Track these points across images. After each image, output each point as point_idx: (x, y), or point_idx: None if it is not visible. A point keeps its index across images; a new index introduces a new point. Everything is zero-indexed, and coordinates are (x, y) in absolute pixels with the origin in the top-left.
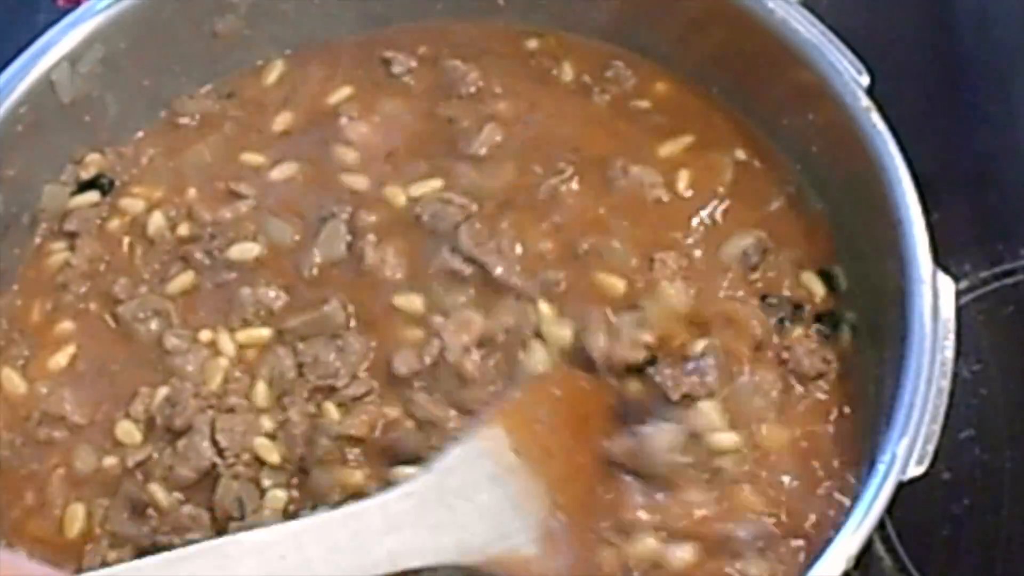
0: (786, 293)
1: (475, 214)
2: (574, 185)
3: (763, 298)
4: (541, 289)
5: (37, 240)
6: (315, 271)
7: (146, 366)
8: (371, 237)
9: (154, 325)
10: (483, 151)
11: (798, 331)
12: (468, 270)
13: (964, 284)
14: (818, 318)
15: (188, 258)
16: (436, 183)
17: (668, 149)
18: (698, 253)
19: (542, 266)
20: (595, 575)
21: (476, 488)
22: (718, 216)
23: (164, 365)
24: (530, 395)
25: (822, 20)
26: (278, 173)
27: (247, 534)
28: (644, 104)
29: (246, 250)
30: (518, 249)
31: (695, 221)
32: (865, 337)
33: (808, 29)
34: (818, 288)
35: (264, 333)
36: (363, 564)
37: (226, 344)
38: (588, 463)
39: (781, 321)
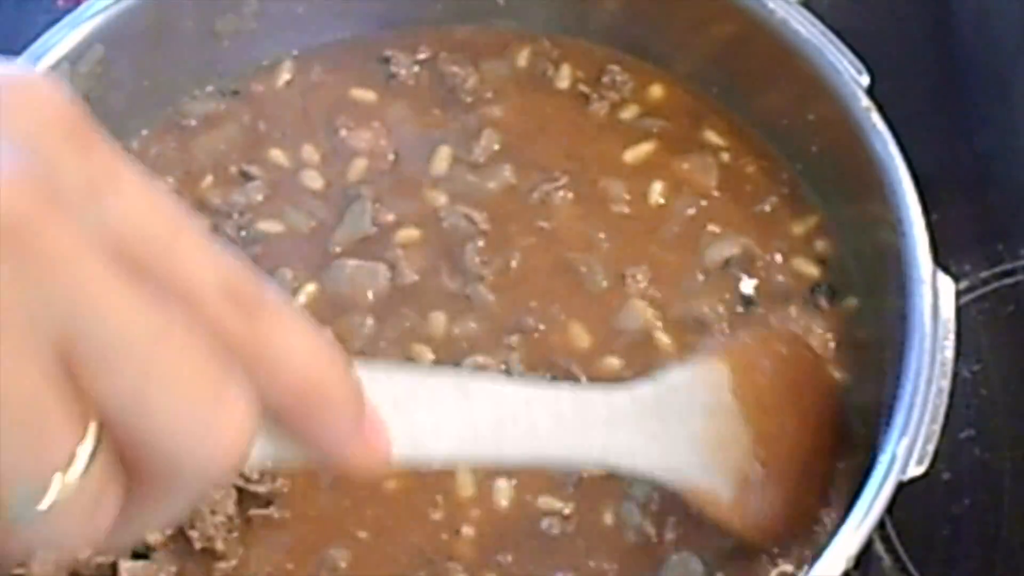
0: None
1: (487, 233)
2: (567, 193)
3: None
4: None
5: None
6: (339, 248)
7: None
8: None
9: None
10: (482, 158)
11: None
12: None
13: (964, 284)
14: (813, 292)
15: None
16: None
17: (660, 155)
18: (680, 260)
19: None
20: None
21: (691, 414)
22: (708, 219)
23: None
24: (758, 344)
25: (822, 20)
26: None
27: (484, 380)
28: (641, 110)
29: (272, 225)
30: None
31: (682, 227)
32: (867, 313)
33: (808, 29)
34: (811, 269)
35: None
36: (581, 446)
37: None
38: (799, 432)
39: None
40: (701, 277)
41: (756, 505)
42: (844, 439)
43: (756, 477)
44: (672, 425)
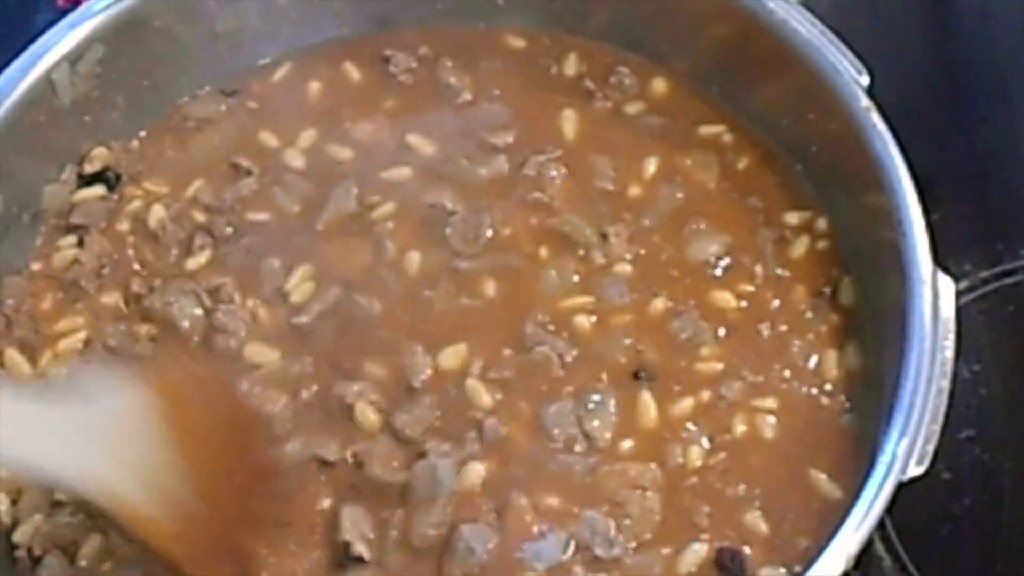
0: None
1: (458, 212)
2: (556, 172)
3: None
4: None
5: (40, 238)
6: (323, 227)
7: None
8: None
9: (188, 308)
10: (478, 150)
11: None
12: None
13: (964, 284)
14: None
15: (213, 231)
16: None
17: (654, 153)
18: (670, 254)
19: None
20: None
21: (126, 436)
22: (701, 220)
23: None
24: (191, 380)
25: (822, 20)
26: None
27: None
28: (643, 107)
29: (260, 214)
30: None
31: (680, 223)
32: (866, 323)
33: (808, 29)
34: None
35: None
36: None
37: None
38: (230, 467)
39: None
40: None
41: (190, 531)
42: (270, 479)
43: (190, 504)
44: (99, 437)
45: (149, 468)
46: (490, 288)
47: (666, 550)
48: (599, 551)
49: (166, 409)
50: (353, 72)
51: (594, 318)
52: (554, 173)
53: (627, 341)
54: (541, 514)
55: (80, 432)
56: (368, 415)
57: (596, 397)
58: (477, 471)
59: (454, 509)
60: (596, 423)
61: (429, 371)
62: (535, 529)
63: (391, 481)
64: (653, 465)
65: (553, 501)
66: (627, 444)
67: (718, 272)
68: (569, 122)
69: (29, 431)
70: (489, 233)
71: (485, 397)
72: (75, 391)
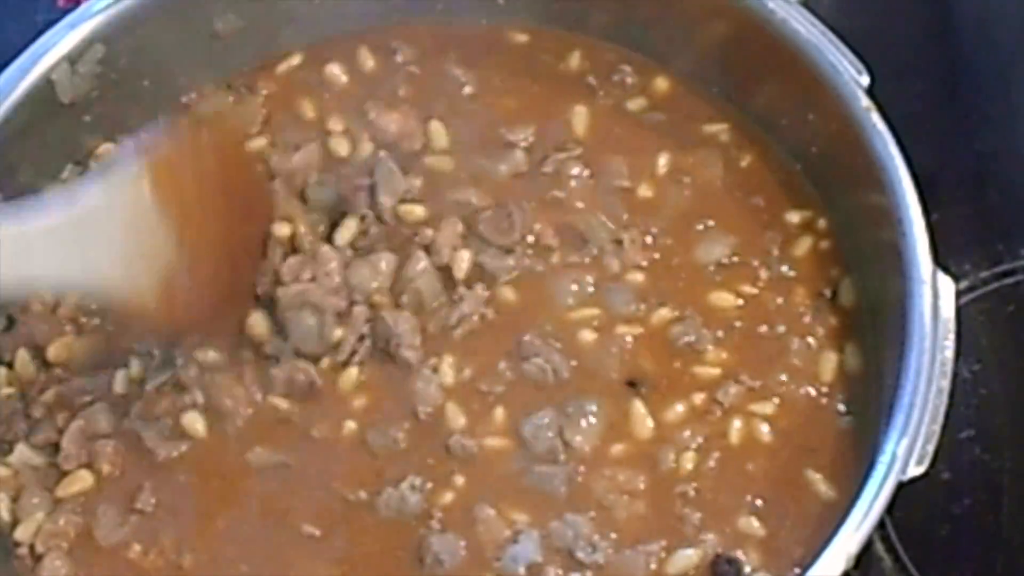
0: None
1: (491, 206)
2: (576, 170)
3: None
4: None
5: None
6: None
7: None
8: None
9: None
10: (486, 144)
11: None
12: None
13: (964, 284)
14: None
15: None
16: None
17: (662, 150)
18: (681, 257)
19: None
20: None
21: (112, 230)
22: (708, 220)
23: None
24: (181, 142)
25: (822, 20)
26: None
27: None
28: (643, 104)
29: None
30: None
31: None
32: (866, 323)
33: (808, 29)
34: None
35: None
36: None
37: None
38: (225, 216)
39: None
40: None
41: (183, 296)
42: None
43: (182, 269)
44: (94, 243)
45: (145, 250)
46: (506, 297)
47: (655, 555)
48: (580, 555)
49: (162, 187)
50: (361, 65)
51: (597, 332)
52: (575, 171)
53: (626, 350)
54: (513, 523)
55: (81, 237)
56: (342, 430)
57: (583, 407)
58: (446, 491)
59: (423, 525)
60: (580, 433)
61: (440, 400)
62: (507, 536)
63: (353, 500)
64: (642, 470)
65: (528, 511)
66: (616, 450)
67: (723, 274)
68: (580, 118)
69: (39, 252)
70: (526, 234)
71: (461, 417)
72: (73, 198)
